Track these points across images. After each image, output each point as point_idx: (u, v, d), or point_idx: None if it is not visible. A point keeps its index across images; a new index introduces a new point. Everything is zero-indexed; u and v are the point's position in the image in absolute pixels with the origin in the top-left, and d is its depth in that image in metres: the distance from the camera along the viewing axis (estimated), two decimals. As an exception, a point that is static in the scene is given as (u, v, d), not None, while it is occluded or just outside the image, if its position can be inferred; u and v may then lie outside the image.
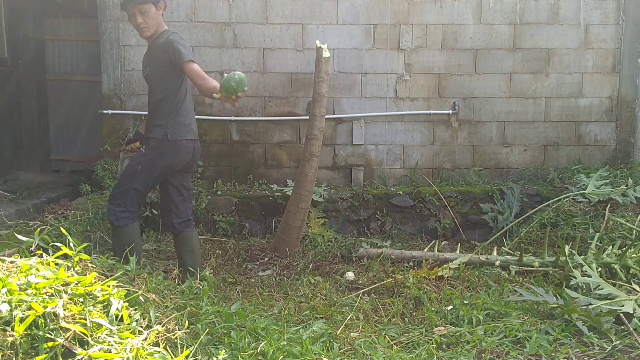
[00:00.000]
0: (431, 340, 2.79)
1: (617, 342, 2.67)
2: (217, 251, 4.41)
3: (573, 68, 5.29)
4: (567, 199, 4.56)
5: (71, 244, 2.38)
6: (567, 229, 4.26)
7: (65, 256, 2.31)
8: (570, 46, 5.27)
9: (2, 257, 2.28)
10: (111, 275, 2.38)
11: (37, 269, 2.10)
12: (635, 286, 3.28)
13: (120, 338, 1.91)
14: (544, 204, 4.60)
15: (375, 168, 5.37)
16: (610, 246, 3.81)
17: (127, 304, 2.12)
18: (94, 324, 1.91)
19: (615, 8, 5.23)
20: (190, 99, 3.41)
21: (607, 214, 4.22)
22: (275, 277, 3.91)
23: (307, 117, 5.21)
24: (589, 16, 5.24)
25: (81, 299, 1.98)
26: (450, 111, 5.28)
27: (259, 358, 2.23)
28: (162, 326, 2.12)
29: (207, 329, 2.29)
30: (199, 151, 3.47)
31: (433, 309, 3.20)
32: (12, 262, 2.21)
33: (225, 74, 3.16)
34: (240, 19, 5.19)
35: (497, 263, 3.88)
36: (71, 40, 6.22)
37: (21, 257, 2.38)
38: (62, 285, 2.01)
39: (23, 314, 1.81)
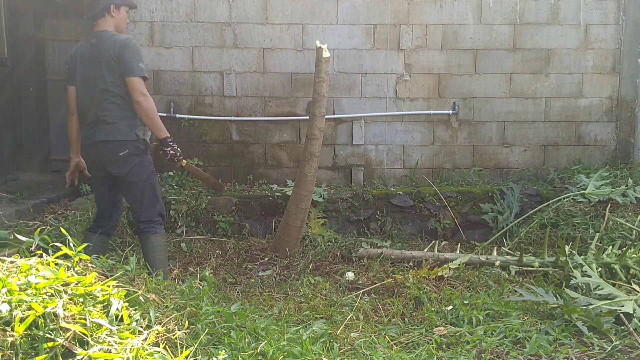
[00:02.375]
0: (431, 340, 2.79)
1: (617, 342, 2.66)
2: (217, 251, 4.41)
3: (573, 68, 5.29)
4: (567, 199, 4.56)
5: (71, 244, 2.38)
6: (567, 229, 4.26)
7: (65, 256, 2.31)
8: (570, 46, 5.27)
9: (2, 257, 2.28)
10: (111, 276, 2.38)
11: (37, 269, 2.10)
12: (635, 286, 3.28)
13: (120, 338, 1.91)
14: (544, 204, 4.60)
15: (375, 168, 5.37)
16: (610, 246, 3.81)
17: (127, 304, 2.12)
18: (94, 324, 1.91)
19: (615, 8, 5.23)
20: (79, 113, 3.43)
21: (607, 214, 4.22)
22: (275, 277, 3.91)
23: (307, 117, 5.22)
24: (589, 16, 5.24)
25: (81, 299, 1.98)
26: (450, 111, 5.29)
27: (259, 358, 2.23)
28: (162, 326, 2.12)
29: (207, 329, 2.28)
30: (105, 154, 3.32)
31: (433, 309, 3.20)
32: (12, 262, 2.21)
33: None
34: (240, 19, 5.19)
35: (497, 263, 3.87)
36: (71, 40, 6.19)
37: (21, 257, 2.38)
38: (62, 285, 2.01)
39: (23, 314, 1.81)
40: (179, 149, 3.38)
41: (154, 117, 3.25)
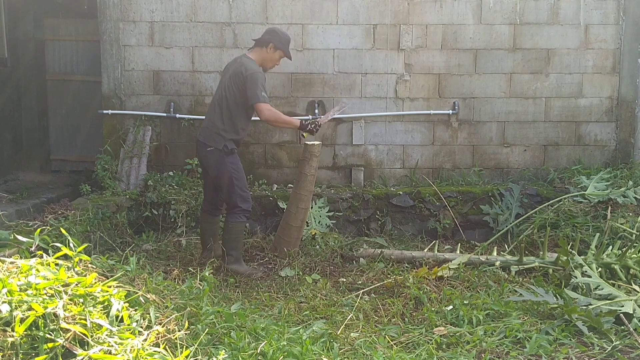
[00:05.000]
0: (431, 340, 2.79)
1: (617, 342, 2.67)
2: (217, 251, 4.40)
3: (573, 68, 5.29)
4: (567, 199, 4.55)
5: (71, 245, 2.38)
6: (567, 230, 4.26)
7: (65, 257, 2.31)
8: (571, 46, 5.27)
9: (2, 258, 2.28)
10: (111, 276, 2.38)
11: (37, 270, 2.10)
12: (636, 286, 3.28)
13: (121, 339, 1.91)
14: (544, 204, 4.60)
15: (375, 168, 5.37)
16: (611, 246, 3.80)
17: (127, 304, 2.12)
18: (94, 325, 1.91)
19: (615, 8, 5.23)
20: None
21: (609, 216, 4.22)
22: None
23: (307, 117, 5.22)
24: (589, 16, 5.24)
25: (81, 300, 1.98)
26: (450, 111, 5.29)
27: (259, 358, 2.23)
28: (162, 327, 2.12)
29: (207, 329, 2.29)
30: (201, 153, 3.98)
31: (433, 309, 3.20)
32: (12, 262, 2.21)
33: None
34: (240, 19, 5.19)
35: (497, 263, 3.87)
36: (71, 40, 6.22)
37: (21, 258, 2.39)
38: (63, 285, 2.01)
39: (23, 315, 1.81)
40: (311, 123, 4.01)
41: (284, 123, 4.09)
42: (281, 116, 3.98)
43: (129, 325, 2.01)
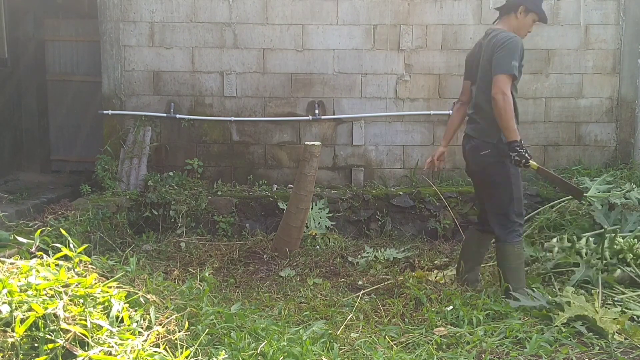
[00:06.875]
0: (431, 340, 2.78)
1: (618, 342, 2.67)
2: (217, 252, 4.40)
3: (573, 68, 5.29)
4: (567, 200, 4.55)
5: (71, 245, 2.38)
6: (570, 230, 4.25)
7: (65, 257, 2.31)
8: (571, 47, 5.27)
9: (2, 259, 2.28)
10: (111, 277, 2.38)
11: (37, 270, 2.10)
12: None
13: (121, 339, 1.91)
14: (547, 205, 4.59)
15: (375, 168, 5.37)
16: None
17: (127, 305, 2.12)
18: (95, 325, 1.91)
19: (615, 8, 5.23)
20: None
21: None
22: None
23: (307, 118, 5.22)
24: (589, 16, 5.24)
25: (81, 301, 1.98)
26: (451, 112, 5.28)
27: (259, 358, 2.23)
28: (163, 327, 2.12)
29: (207, 330, 2.29)
30: (469, 150, 3.47)
31: (433, 309, 3.20)
32: (12, 263, 2.21)
33: None
34: (240, 19, 5.19)
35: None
36: (71, 41, 6.22)
37: (21, 259, 2.39)
38: (63, 286, 2.01)
39: (23, 315, 1.81)
40: (526, 154, 3.14)
41: (507, 119, 3.09)
42: (510, 114, 3.10)
43: (129, 325, 2.01)
